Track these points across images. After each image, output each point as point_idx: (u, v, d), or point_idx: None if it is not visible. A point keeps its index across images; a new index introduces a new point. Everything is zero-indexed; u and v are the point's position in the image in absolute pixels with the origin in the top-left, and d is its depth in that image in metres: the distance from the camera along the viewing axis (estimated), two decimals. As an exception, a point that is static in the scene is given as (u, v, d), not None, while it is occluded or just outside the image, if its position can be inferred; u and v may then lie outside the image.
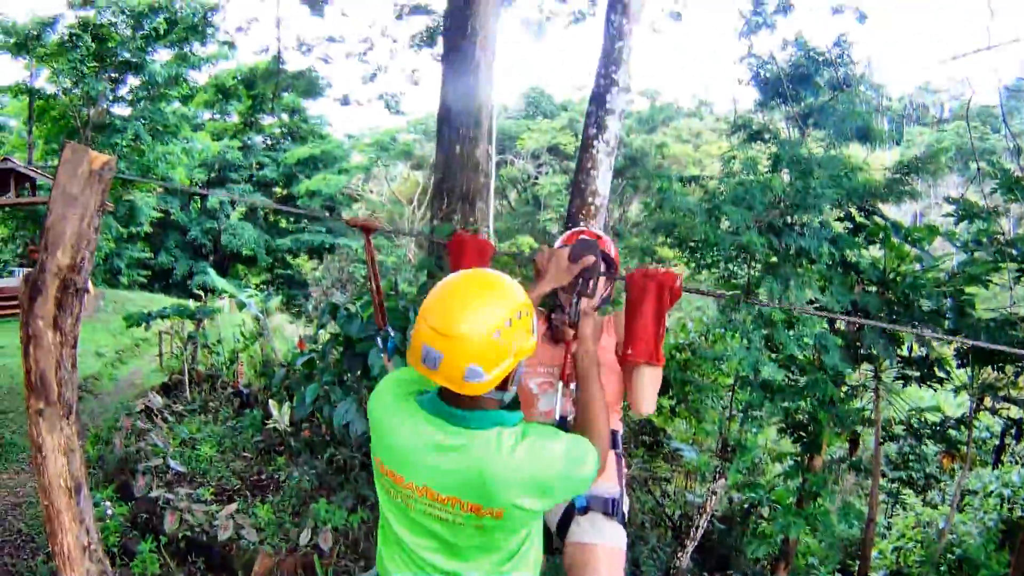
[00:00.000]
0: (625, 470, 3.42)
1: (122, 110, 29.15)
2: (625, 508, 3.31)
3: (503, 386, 2.29)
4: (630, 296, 2.99)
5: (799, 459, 7.55)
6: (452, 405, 2.28)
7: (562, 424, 3.22)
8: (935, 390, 7.50)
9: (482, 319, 2.14)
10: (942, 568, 6.33)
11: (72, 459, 3.92)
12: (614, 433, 3.31)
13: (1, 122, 34.73)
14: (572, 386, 3.24)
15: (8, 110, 34.27)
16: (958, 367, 7.29)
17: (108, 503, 6.87)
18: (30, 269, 3.69)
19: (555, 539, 3.27)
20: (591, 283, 2.97)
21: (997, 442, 8.80)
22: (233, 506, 7.22)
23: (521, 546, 2.38)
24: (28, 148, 28.59)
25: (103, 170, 3.62)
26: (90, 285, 24.41)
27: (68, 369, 3.81)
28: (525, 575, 2.42)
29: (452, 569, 2.36)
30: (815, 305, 6.71)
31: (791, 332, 6.30)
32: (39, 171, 22.03)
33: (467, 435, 2.22)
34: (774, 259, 6.65)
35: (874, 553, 8.52)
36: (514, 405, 2.49)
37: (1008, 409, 7.42)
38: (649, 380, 3.03)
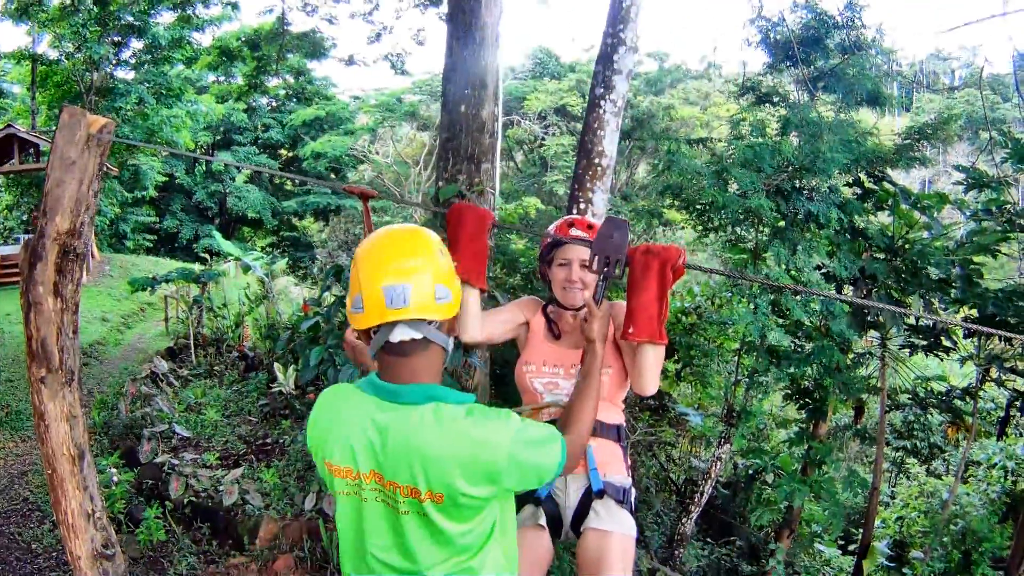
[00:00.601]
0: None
1: (125, 74, 28.94)
2: (632, 500, 3.28)
3: (448, 328, 2.27)
4: (632, 274, 2.88)
5: (804, 426, 7.55)
6: (389, 381, 2.20)
7: None
8: (941, 359, 7.48)
9: (425, 245, 2.18)
10: (945, 539, 6.33)
11: (75, 426, 3.90)
12: (618, 427, 3.29)
13: (4, 89, 34.54)
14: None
15: (11, 76, 34.04)
16: (965, 337, 7.25)
17: (113, 469, 6.89)
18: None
19: (568, 531, 3.23)
20: (618, 264, 2.84)
21: (1002, 414, 8.78)
22: (238, 471, 7.23)
23: (482, 543, 2.22)
24: (31, 114, 28.42)
25: (101, 133, 3.57)
26: (95, 250, 24.47)
27: (70, 335, 3.78)
28: (495, 565, 2.28)
29: (407, 568, 2.21)
30: (823, 271, 6.67)
31: (798, 298, 6.25)
32: (42, 137, 21.85)
33: (401, 411, 2.13)
34: (782, 223, 6.60)
35: (877, 522, 8.55)
36: (464, 387, 2.43)
37: (1014, 381, 7.38)
38: (651, 360, 2.95)
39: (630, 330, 2.85)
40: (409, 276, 2.10)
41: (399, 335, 2.13)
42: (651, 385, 2.99)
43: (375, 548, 2.23)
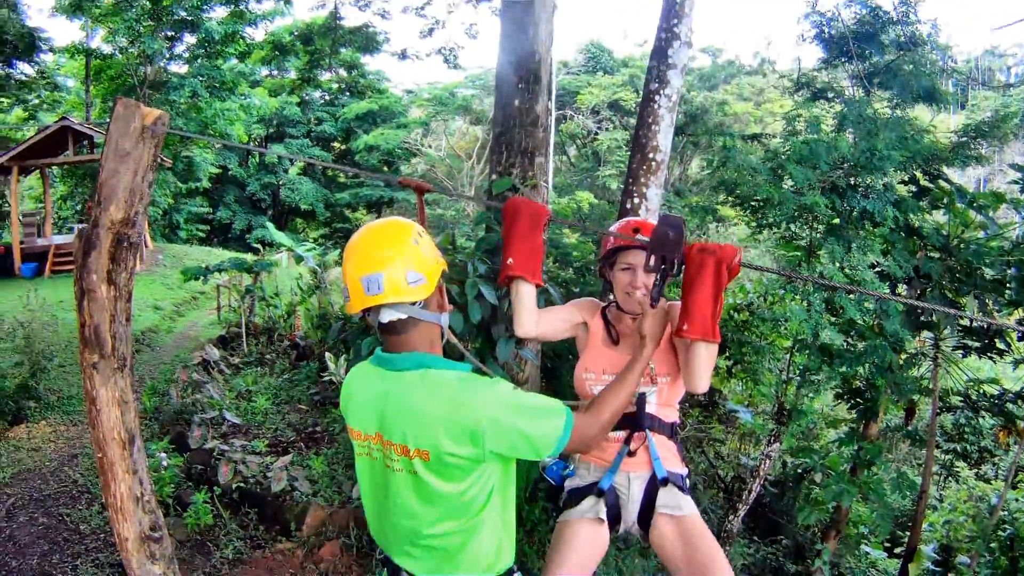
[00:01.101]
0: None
1: (179, 68, 29.22)
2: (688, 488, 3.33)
3: (436, 308, 2.42)
4: (688, 271, 2.84)
5: (854, 426, 7.46)
6: (388, 351, 2.38)
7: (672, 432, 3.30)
8: (995, 362, 7.35)
9: (398, 236, 2.32)
10: (992, 545, 6.22)
11: (126, 411, 3.95)
12: (672, 425, 3.31)
13: (59, 82, 35.07)
14: (659, 382, 3.23)
15: (65, 70, 34.52)
16: (1019, 340, 7.12)
17: (163, 454, 6.98)
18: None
19: (632, 525, 3.23)
20: (675, 262, 2.80)
21: (1055, 419, 8.59)
22: (287, 458, 7.30)
23: (478, 509, 2.32)
24: (86, 107, 28.86)
25: (155, 125, 3.61)
26: (149, 240, 24.81)
27: (122, 323, 3.83)
28: (486, 541, 2.38)
29: (410, 527, 2.36)
30: (877, 269, 6.58)
31: (852, 296, 6.18)
32: (96, 129, 22.13)
33: (397, 376, 2.31)
34: (836, 221, 6.53)
35: (925, 525, 8.42)
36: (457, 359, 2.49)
37: (1067, 384, 7.25)
38: (704, 358, 2.91)
39: (684, 327, 2.83)
40: (382, 266, 2.26)
41: (386, 317, 2.31)
42: (703, 383, 2.97)
43: (385, 507, 2.41)
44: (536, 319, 3.16)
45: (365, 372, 2.46)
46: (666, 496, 3.18)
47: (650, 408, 3.20)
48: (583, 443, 2.46)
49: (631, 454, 3.19)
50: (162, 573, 4.45)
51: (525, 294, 3.06)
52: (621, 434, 3.20)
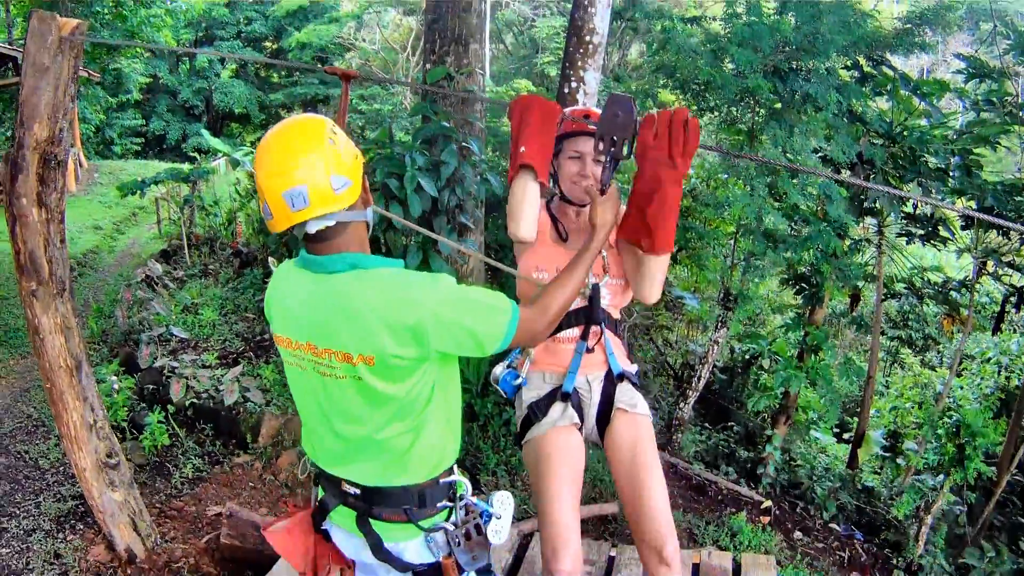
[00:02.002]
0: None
1: (101, -23, 28.22)
2: None
3: (361, 205, 2.25)
4: (641, 183, 2.71)
5: (800, 312, 7.57)
6: (315, 254, 2.24)
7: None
8: (938, 250, 7.47)
9: (313, 139, 2.12)
10: (939, 431, 6.39)
11: (70, 337, 3.88)
12: (616, 321, 3.25)
13: (-23, 4, 33.60)
14: (608, 279, 3.13)
15: (-16, -10, 33.20)
16: (962, 228, 7.22)
17: (114, 377, 6.87)
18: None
19: (592, 428, 3.20)
20: (626, 143, 2.64)
21: (998, 308, 8.80)
22: (238, 369, 7.27)
23: (422, 407, 2.25)
24: (8, 28, 27.61)
25: (73, 35, 3.45)
26: (83, 158, 24.13)
27: (57, 246, 3.73)
28: (433, 437, 2.33)
29: (354, 435, 2.29)
30: (820, 154, 6.59)
31: (795, 181, 6.19)
32: (20, 50, 21.27)
33: (328, 279, 2.18)
34: (779, 105, 6.49)
35: (872, 411, 8.65)
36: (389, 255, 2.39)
37: (1010, 275, 7.39)
38: (661, 268, 2.88)
39: (646, 245, 2.75)
40: (304, 176, 2.09)
41: (313, 227, 2.15)
42: (657, 292, 2.95)
43: (325, 417, 2.32)
44: (534, 221, 2.92)
45: (291, 275, 2.32)
46: (623, 392, 3.17)
47: (603, 302, 3.12)
48: (531, 337, 2.38)
49: (589, 351, 3.12)
50: (122, 499, 4.45)
51: (533, 190, 2.80)
52: (575, 332, 3.11)
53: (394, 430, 2.24)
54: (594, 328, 3.12)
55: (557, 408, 3.06)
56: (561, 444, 2.98)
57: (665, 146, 2.60)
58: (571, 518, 2.83)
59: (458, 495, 2.43)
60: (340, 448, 2.34)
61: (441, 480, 2.39)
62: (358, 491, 2.35)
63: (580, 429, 3.13)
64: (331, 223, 2.16)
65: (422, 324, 2.08)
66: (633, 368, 3.29)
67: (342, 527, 2.46)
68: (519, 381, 3.12)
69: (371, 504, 2.35)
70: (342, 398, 2.23)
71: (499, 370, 3.17)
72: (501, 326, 2.22)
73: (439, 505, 2.38)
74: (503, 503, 2.54)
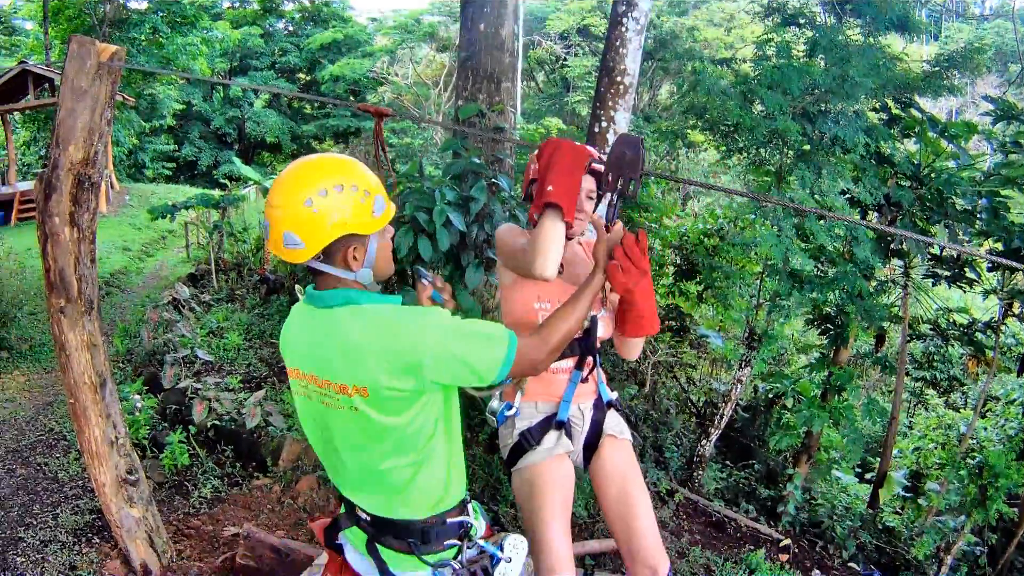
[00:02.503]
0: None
1: (139, 4, 28.51)
2: None
3: (344, 263, 2.28)
4: (616, 291, 2.84)
5: (825, 352, 7.52)
6: (317, 289, 2.33)
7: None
8: (964, 291, 7.41)
9: (293, 189, 2.19)
10: (961, 472, 6.33)
11: (96, 355, 3.93)
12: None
13: (16, 25, 34.16)
14: (604, 311, 3.19)
15: (23, 12, 33.73)
16: (989, 270, 7.18)
17: (137, 396, 6.94)
18: (48, 170, 3.64)
19: (578, 453, 3.24)
20: (632, 183, 2.66)
21: (1023, 350, 8.71)
22: (260, 393, 7.29)
23: (424, 440, 2.28)
24: (45, 50, 28.00)
25: (112, 61, 3.53)
26: (115, 181, 24.46)
27: (87, 265, 3.78)
28: (436, 473, 2.36)
29: (362, 464, 2.33)
30: (847, 196, 6.59)
31: (822, 222, 6.18)
32: (56, 71, 21.45)
33: (325, 314, 2.26)
34: (807, 147, 6.50)
35: (895, 451, 8.56)
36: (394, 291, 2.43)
37: (1037, 317, 7.33)
38: (640, 341, 3.12)
39: (626, 330, 2.97)
40: (272, 216, 2.22)
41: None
42: (636, 355, 3.23)
43: (332, 445, 2.37)
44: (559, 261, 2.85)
45: (300, 309, 2.41)
46: (611, 419, 3.24)
47: (599, 332, 3.16)
48: (531, 366, 2.38)
49: (584, 380, 3.16)
50: (140, 516, 4.47)
51: (560, 229, 2.75)
52: (570, 362, 3.15)
53: (394, 463, 2.28)
54: (589, 358, 3.16)
55: (551, 436, 3.10)
56: (556, 472, 3.03)
57: (632, 269, 2.71)
58: (566, 545, 2.88)
59: (468, 535, 2.46)
60: (349, 475, 2.41)
61: (449, 519, 2.42)
62: (368, 517, 2.41)
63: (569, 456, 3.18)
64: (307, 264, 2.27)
65: (416, 357, 2.12)
66: (615, 395, 3.34)
67: (355, 547, 2.51)
68: (512, 412, 3.13)
69: (379, 531, 2.41)
70: (344, 428, 2.28)
71: (496, 404, 3.20)
72: (498, 355, 2.24)
73: (446, 543, 2.41)
74: (515, 547, 2.55)
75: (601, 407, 3.24)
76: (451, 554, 2.42)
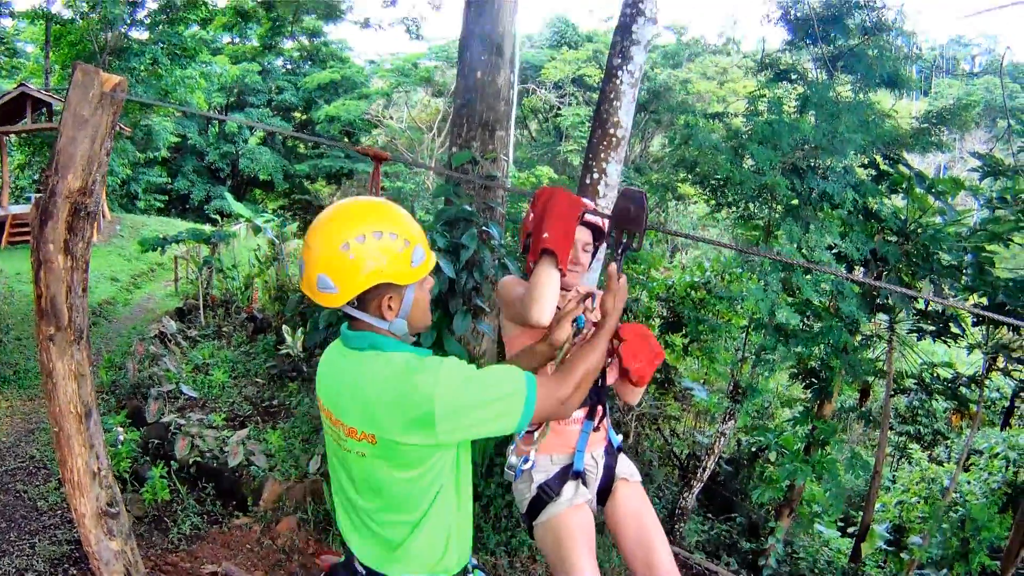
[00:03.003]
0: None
1: (140, 34, 28.52)
2: None
3: (378, 312, 2.23)
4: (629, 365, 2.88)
5: (809, 406, 7.55)
6: (350, 328, 2.29)
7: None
8: (949, 346, 7.46)
9: (333, 231, 2.15)
10: (944, 525, 6.34)
11: (82, 384, 3.91)
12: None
13: (18, 48, 34.32)
14: (610, 361, 3.17)
15: (25, 35, 33.89)
16: (973, 325, 7.25)
17: (120, 428, 6.91)
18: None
19: (594, 506, 3.23)
20: (636, 237, 2.70)
21: (1007, 404, 8.77)
22: (244, 432, 7.26)
23: (424, 504, 2.23)
24: (45, 74, 28.18)
25: (115, 92, 3.56)
26: (106, 210, 24.45)
27: (79, 294, 3.78)
28: (436, 537, 2.29)
29: (360, 511, 2.30)
30: (834, 251, 6.65)
31: (809, 277, 6.24)
32: (55, 96, 21.56)
33: (351, 355, 2.23)
34: (796, 202, 6.58)
35: (878, 505, 8.57)
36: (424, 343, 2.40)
37: (1020, 371, 7.38)
38: (641, 389, 3.12)
39: (635, 380, 2.89)
40: (308, 256, 2.20)
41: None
42: (637, 400, 3.24)
43: (341, 487, 2.35)
44: (554, 308, 2.87)
45: (335, 346, 2.36)
46: (623, 463, 3.27)
47: (608, 380, 3.19)
48: (559, 405, 2.28)
49: (596, 429, 3.19)
50: (119, 549, 4.42)
51: (556, 276, 2.78)
52: (581, 413, 3.17)
53: (393, 518, 2.24)
54: (599, 407, 3.19)
55: (570, 487, 3.11)
56: (579, 521, 3.03)
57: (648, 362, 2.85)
58: None
59: None
60: (349, 520, 2.37)
61: None
62: (363, 571, 2.35)
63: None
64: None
65: (430, 411, 2.04)
66: (620, 438, 3.38)
67: None
68: (528, 465, 3.12)
69: None
70: (353, 472, 2.25)
71: (513, 459, 3.16)
72: (518, 404, 2.16)
73: None
74: None
75: (612, 452, 3.27)
76: None
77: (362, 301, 2.20)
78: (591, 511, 3.16)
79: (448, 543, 2.32)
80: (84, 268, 3.82)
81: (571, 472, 3.13)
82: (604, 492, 3.23)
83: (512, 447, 3.21)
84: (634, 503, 3.19)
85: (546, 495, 3.09)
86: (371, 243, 2.14)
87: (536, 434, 3.10)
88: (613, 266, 2.68)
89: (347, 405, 2.17)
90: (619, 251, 2.73)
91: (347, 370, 2.21)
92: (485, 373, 2.17)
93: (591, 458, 3.21)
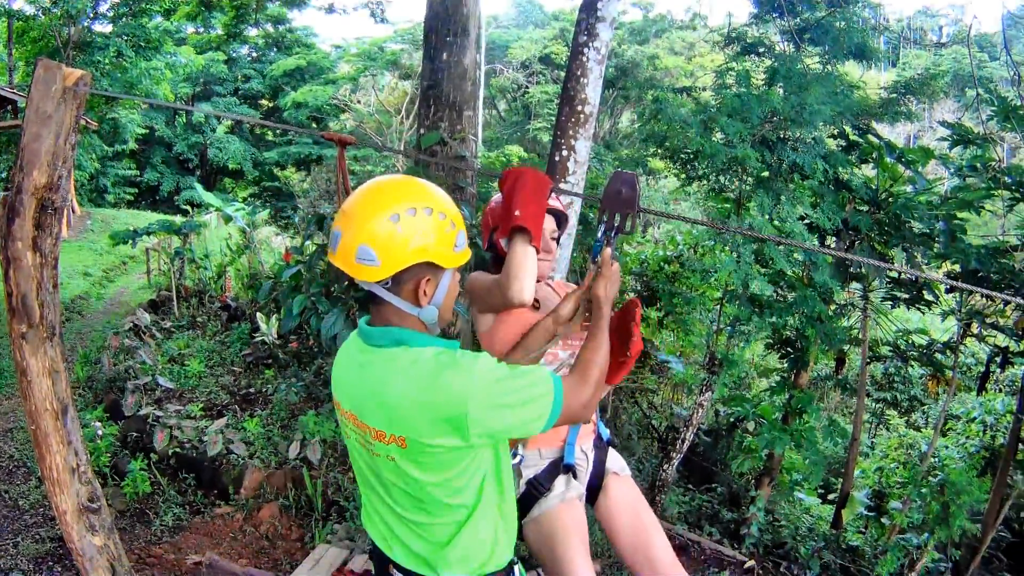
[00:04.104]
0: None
1: (103, 28, 28.17)
2: None
3: (413, 296, 2.11)
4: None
5: (786, 375, 7.60)
6: (371, 324, 2.16)
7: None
8: (923, 313, 7.53)
9: (383, 201, 2.05)
10: (924, 490, 6.41)
11: (57, 381, 3.89)
12: None
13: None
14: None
15: (-14, 34, 33.55)
16: (947, 292, 7.31)
17: (98, 423, 6.88)
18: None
19: (583, 499, 3.21)
20: (628, 219, 2.67)
21: (982, 369, 8.87)
22: (222, 421, 7.25)
23: (468, 501, 2.14)
24: (8, 72, 27.77)
25: (77, 86, 3.52)
26: (76, 205, 24.26)
27: (50, 290, 3.75)
28: (483, 532, 2.19)
29: (395, 516, 2.18)
30: (806, 221, 6.68)
31: (781, 248, 6.27)
32: (19, 94, 21.17)
33: (373, 353, 2.10)
34: (766, 173, 6.59)
35: (857, 471, 8.65)
36: (449, 336, 2.26)
37: (994, 336, 7.45)
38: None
39: (626, 356, 2.82)
40: (346, 225, 2.06)
41: (359, 282, 2.12)
42: (619, 380, 3.07)
43: (373, 491, 2.22)
44: (534, 285, 2.83)
45: (351, 342, 2.23)
46: (613, 457, 3.25)
47: None
48: (581, 408, 2.19)
49: (585, 422, 3.15)
50: (102, 544, 4.41)
51: (532, 253, 2.75)
52: None
53: (435, 520, 2.14)
54: None
55: (561, 481, 3.07)
56: (570, 518, 2.99)
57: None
58: None
59: None
60: (385, 525, 2.25)
61: None
62: None
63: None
64: (364, 286, 2.12)
65: (461, 411, 1.95)
66: (608, 432, 3.36)
67: None
68: (517, 460, 3.08)
69: None
70: (383, 475, 2.13)
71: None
72: (546, 405, 2.07)
73: None
74: None
75: (601, 446, 3.25)
76: None
77: (398, 282, 2.08)
78: (582, 506, 3.12)
79: (496, 536, 2.24)
80: (53, 264, 3.79)
81: (562, 466, 3.09)
82: (594, 489, 3.20)
83: None
84: (626, 497, 3.17)
85: (536, 490, 3.04)
86: (422, 218, 2.05)
87: None
88: (608, 251, 2.66)
89: (373, 407, 2.05)
90: (612, 234, 2.70)
91: (371, 369, 2.08)
92: (517, 374, 2.06)
93: (581, 452, 3.19)
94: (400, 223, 2.01)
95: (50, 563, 5.21)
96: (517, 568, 2.35)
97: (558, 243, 3.22)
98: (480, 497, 2.15)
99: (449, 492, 2.09)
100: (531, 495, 3.05)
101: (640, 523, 3.08)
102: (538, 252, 2.83)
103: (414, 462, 2.03)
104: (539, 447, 3.12)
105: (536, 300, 3.13)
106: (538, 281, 3.15)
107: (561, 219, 3.22)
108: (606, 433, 3.29)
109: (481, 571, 2.20)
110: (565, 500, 3.03)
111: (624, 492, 3.18)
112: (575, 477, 3.12)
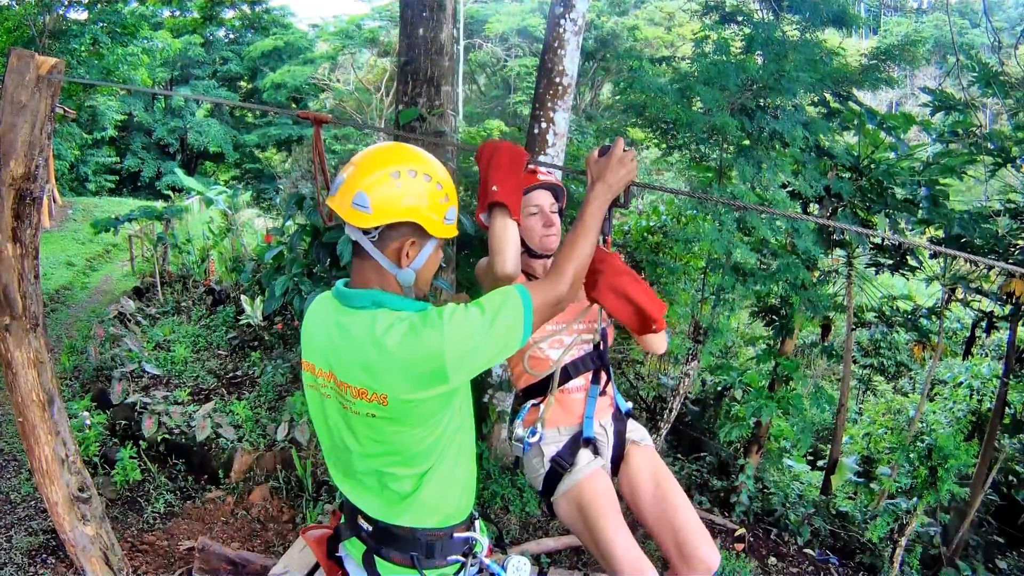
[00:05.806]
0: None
1: (78, 15, 27.83)
2: None
3: (395, 256, 2.19)
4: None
5: (771, 343, 7.62)
6: (349, 286, 2.25)
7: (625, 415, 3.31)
8: (907, 279, 7.55)
9: (389, 158, 2.18)
10: (912, 455, 6.45)
11: (43, 372, 3.88)
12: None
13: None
14: (604, 325, 3.18)
15: (-40, 26, 33.15)
16: (931, 258, 7.33)
17: (86, 413, 6.86)
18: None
19: (608, 472, 3.18)
20: (623, 193, 2.65)
21: (968, 334, 8.93)
22: (210, 405, 7.24)
23: (432, 456, 2.25)
24: (-18, 63, 27.67)
25: (51, 74, 3.50)
26: (57, 195, 24.09)
27: (31, 281, 3.74)
28: (447, 485, 2.32)
29: (367, 468, 2.27)
30: (788, 188, 6.68)
31: (763, 216, 6.27)
32: (-6, 86, 21.21)
33: (352, 314, 2.17)
34: (747, 142, 6.58)
35: (845, 438, 8.71)
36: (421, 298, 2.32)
37: (979, 301, 7.49)
38: (661, 336, 3.04)
39: (652, 327, 2.82)
40: (347, 171, 2.18)
41: (347, 230, 2.21)
42: (663, 348, 3.16)
43: (343, 445, 2.29)
44: (518, 256, 2.85)
45: (323, 304, 2.31)
46: (632, 428, 3.25)
47: (609, 341, 3.20)
48: (553, 309, 2.27)
49: (602, 394, 3.15)
50: (94, 533, 4.42)
51: (512, 226, 2.77)
52: (583, 380, 3.13)
53: (404, 471, 2.24)
54: (602, 372, 3.16)
55: (584, 455, 3.07)
56: (599, 488, 2.97)
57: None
58: (637, 550, 2.82)
59: (473, 552, 2.40)
60: (355, 478, 2.34)
61: (456, 534, 2.37)
62: (370, 528, 2.34)
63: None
64: (352, 237, 2.21)
65: (440, 367, 2.05)
66: (630, 404, 3.35)
67: (353, 559, 2.44)
68: (536, 438, 3.08)
69: (380, 543, 2.33)
70: (358, 431, 2.21)
71: (520, 431, 3.13)
72: (517, 325, 2.16)
73: (450, 559, 2.35)
74: (518, 569, 2.54)
75: (620, 418, 3.24)
76: (453, 570, 2.38)
77: (384, 238, 2.17)
78: (608, 476, 3.10)
79: (454, 490, 2.35)
80: (34, 255, 3.78)
81: (582, 439, 3.09)
82: (616, 460, 3.20)
83: (519, 419, 3.18)
84: (648, 465, 3.15)
85: (560, 466, 3.05)
86: (420, 181, 2.17)
87: (542, 407, 3.09)
88: (621, 139, 2.62)
89: (352, 366, 2.13)
90: (608, 208, 2.63)
91: (348, 331, 2.16)
92: (486, 310, 2.14)
93: (600, 426, 3.18)
94: (399, 180, 2.14)
95: (44, 555, 5.21)
96: (477, 523, 2.49)
97: (561, 216, 3.20)
98: (446, 452, 2.27)
99: (422, 445, 2.20)
100: (556, 472, 3.06)
101: (663, 491, 3.06)
102: (519, 224, 2.82)
103: (395, 418, 2.13)
104: (558, 425, 3.12)
105: (536, 278, 3.15)
106: (546, 256, 3.17)
107: (559, 192, 3.21)
108: (625, 405, 3.29)
109: (443, 523, 2.34)
110: (588, 473, 3.01)
111: (646, 461, 3.16)
112: (597, 452, 3.12)
